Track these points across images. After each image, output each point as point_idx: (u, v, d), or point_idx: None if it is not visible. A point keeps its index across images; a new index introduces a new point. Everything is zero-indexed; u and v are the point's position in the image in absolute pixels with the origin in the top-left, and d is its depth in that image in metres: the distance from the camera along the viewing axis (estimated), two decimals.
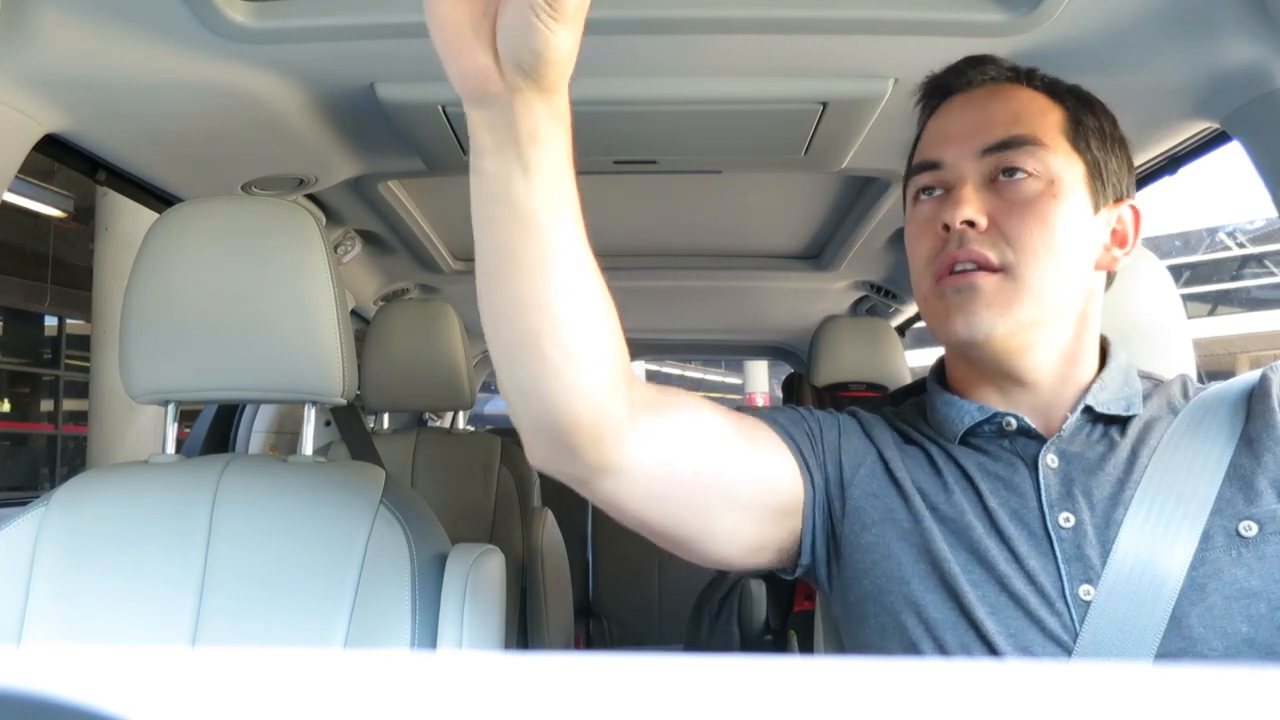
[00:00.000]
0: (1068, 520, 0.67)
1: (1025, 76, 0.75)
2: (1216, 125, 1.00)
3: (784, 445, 0.73)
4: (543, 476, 2.37)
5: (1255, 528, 0.63)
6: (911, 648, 0.69)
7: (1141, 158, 1.18)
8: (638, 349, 3.65)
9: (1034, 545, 0.67)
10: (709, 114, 1.13)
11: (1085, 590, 0.65)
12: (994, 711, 0.20)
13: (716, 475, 0.69)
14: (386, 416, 2.17)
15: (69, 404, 10.00)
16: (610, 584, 2.55)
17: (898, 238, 1.79)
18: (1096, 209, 0.71)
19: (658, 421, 0.65)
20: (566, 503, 3.18)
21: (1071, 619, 0.64)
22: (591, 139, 1.21)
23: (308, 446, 1.03)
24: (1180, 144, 1.12)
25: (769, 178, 1.57)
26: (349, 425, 1.89)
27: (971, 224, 0.70)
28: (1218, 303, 12.18)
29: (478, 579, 0.89)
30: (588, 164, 1.34)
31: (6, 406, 9.82)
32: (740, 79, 1.04)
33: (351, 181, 1.40)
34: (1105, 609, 0.64)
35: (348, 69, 1.01)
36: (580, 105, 1.08)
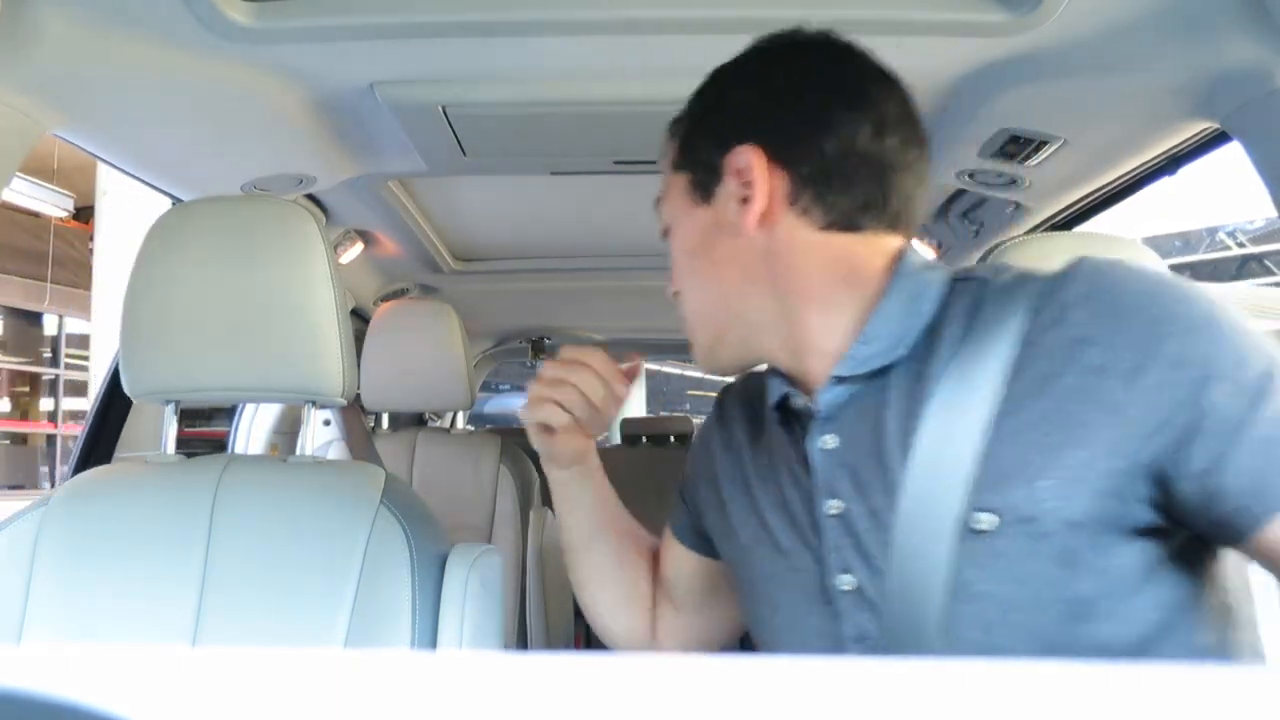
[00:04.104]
0: (835, 508, 0.62)
1: (672, 127, 0.74)
2: (1216, 125, 1.00)
3: (680, 543, 0.84)
4: (542, 476, 2.36)
5: (993, 520, 0.53)
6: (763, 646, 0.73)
7: (1141, 158, 1.18)
8: (639, 349, 3.66)
9: (814, 532, 0.64)
10: None
11: (842, 580, 0.61)
12: (997, 710, 0.20)
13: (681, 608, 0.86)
14: (386, 416, 2.17)
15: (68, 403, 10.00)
16: None
17: None
18: (709, 198, 0.68)
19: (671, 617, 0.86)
20: None
21: (835, 610, 0.62)
22: (591, 139, 1.21)
23: (308, 446, 1.03)
24: (1180, 144, 1.12)
25: None
26: (349, 425, 1.90)
27: (677, 293, 0.73)
28: None
29: (478, 579, 0.89)
30: (588, 164, 1.35)
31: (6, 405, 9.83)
32: None
33: (351, 181, 1.40)
34: (876, 603, 0.59)
35: (348, 69, 1.01)
36: (580, 105, 1.09)
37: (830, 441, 0.63)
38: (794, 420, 0.67)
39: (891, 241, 0.65)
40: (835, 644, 0.62)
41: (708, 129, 0.69)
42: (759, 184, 0.64)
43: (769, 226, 0.65)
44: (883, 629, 0.58)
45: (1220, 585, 0.57)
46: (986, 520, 0.54)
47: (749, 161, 0.64)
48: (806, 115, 0.65)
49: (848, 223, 0.64)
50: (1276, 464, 0.49)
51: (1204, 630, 0.55)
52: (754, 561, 0.70)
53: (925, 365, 0.59)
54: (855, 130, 0.63)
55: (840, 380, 0.62)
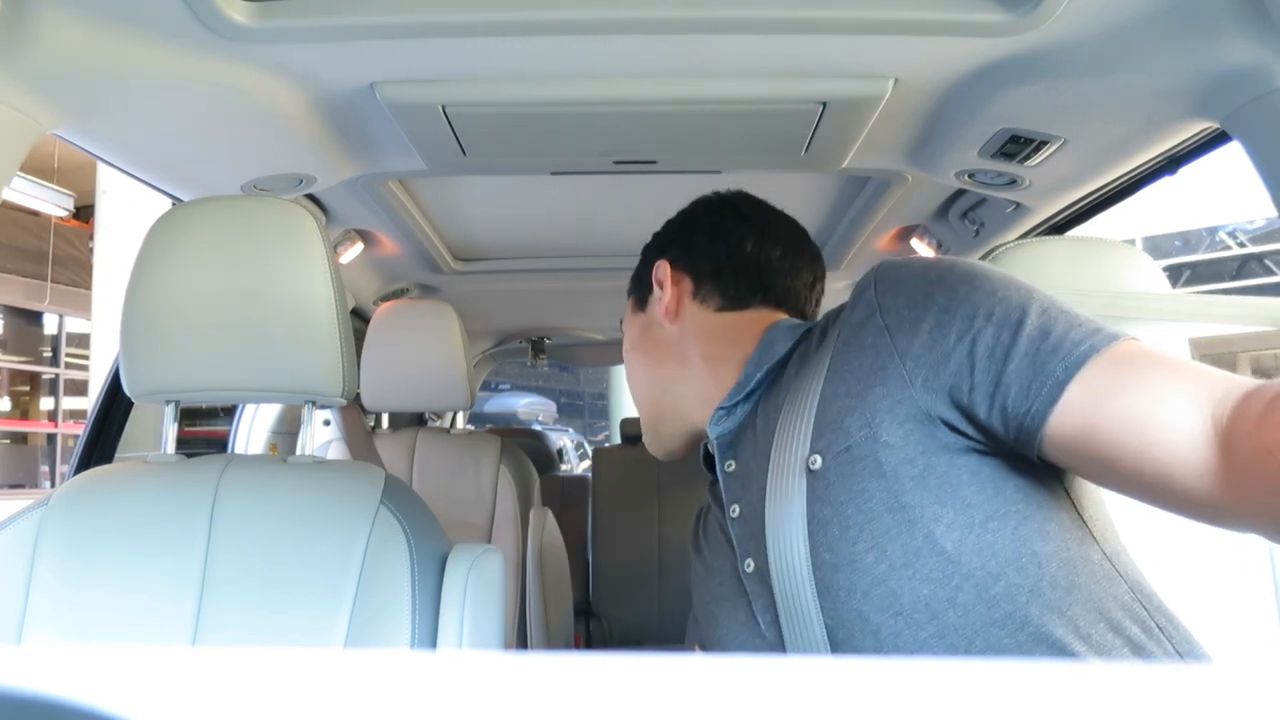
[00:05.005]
0: (734, 510, 0.75)
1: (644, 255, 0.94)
2: (1216, 125, 1.00)
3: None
4: (543, 476, 2.36)
5: (819, 460, 0.65)
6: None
7: (1141, 158, 1.18)
8: None
9: (728, 540, 0.75)
10: (709, 114, 1.13)
11: (747, 564, 0.72)
12: (1000, 710, 0.20)
13: None
14: (386, 416, 2.17)
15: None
16: (610, 584, 2.55)
17: (898, 237, 1.80)
18: (644, 306, 0.91)
19: None
20: (567, 503, 3.18)
21: (747, 594, 0.71)
22: (591, 139, 1.21)
23: (308, 446, 1.03)
24: (1180, 144, 1.12)
25: (769, 177, 1.57)
26: (349, 425, 1.90)
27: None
28: None
29: (478, 579, 0.89)
30: (588, 164, 1.35)
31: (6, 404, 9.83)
32: (740, 79, 1.04)
33: (351, 181, 1.40)
34: (769, 582, 0.68)
35: (348, 69, 1.01)
36: (580, 105, 1.09)
37: (730, 465, 0.77)
38: (713, 467, 0.80)
39: (772, 315, 0.84)
40: (751, 623, 0.71)
41: (643, 260, 0.93)
42: (668, 285, 0.87)
43: (680, 316, 0.86)
44: (774, 590, 0.68)
45: (1073, 505, 0.64)
46: (816, 461, 0.65)
47: (664, 271, 0.87)
48: (705, 230, 0.88)
49: (736, 305, 0.84)
50: (1042, 372, 0.57)
51: (1044, 540, 0.60)
52: (703, 596, 0.80)
53: (781, 380, 0.75)
54: (742, 239, 0.86)
55: (724, 410, 0.78)
